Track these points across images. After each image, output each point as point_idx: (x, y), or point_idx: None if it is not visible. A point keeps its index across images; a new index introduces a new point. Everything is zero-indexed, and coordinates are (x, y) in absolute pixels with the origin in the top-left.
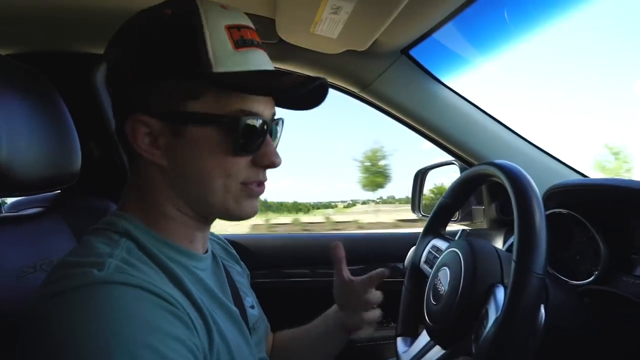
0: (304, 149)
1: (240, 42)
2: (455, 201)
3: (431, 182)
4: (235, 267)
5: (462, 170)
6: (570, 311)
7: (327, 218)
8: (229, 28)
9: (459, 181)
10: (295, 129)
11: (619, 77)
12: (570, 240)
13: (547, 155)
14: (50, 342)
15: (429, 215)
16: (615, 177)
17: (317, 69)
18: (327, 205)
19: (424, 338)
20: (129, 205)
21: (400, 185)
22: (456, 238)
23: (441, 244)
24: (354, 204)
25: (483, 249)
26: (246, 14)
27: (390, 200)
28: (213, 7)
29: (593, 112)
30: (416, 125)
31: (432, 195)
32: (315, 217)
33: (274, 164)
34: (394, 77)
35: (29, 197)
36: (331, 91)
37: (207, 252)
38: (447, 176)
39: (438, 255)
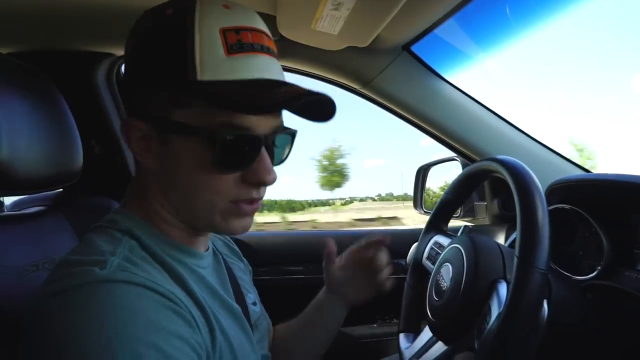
0: (301, 147)
1: (236, 47)
2: (457, 197)
3: (433, 179)
4: (237, 264)
5: (464, 166)
6: (573, 306)
7: (283, 218)
8: (225, 31)
9: (461, 177)
10: (294, 123)
11: (618, 73)
12: (573, 236)
13: (549, 151)
14: (52, 340)
15: (431, 212)
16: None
17: (318, 66)
18: (325, 203)
19: (426, 334)
20: (131, 204)
21: (397, 183)
22: (458, 234)
23: (443, 240)
24: (351, 201)
25: (485, 244)
26: None
27: (388, 198)
28: (212, 7)
29: (591, 108)
30: (418, 122)
31: (440, 192)
32: (303, 215)
33: (264, 182)
34: (395, 74)
35: (31, 195)
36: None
37: (208, 249)
38: (451, 173)
39: (440, 252)
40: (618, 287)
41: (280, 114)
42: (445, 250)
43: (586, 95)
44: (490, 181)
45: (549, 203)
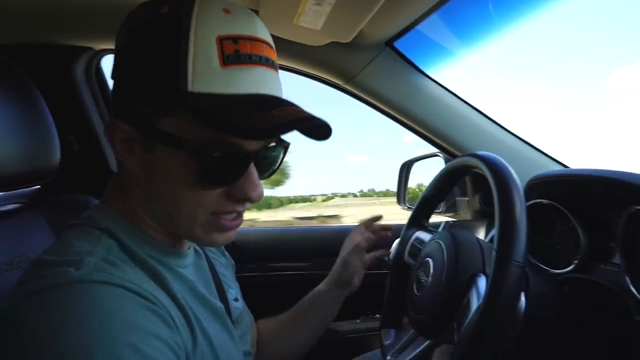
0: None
1: (232, 58)
2: (438, 193)
3: (417, 175)
4: (219, 259)
5: (446, 162)
6: (551, 299)
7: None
8: (223, 39)
9: (441, 173)
10: None
11: (595, 69)
12: (552, 230)
13: (529, 147)
14: (28, 342)
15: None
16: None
17: (301, 61)
18: (306, 199)
19: (407, 329)
20: (111, 201)
21: (380, 179)
22: (439, 229)
23: (425, 236)
24: (332, 197)
25: (465, 239)
26: None
27: (370, 194)
28: (212, 11)
29: (571, 103)
30: (401, 118)
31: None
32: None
33: (249, 199)
34: (378, 69)
35: (7, 192)
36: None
37: (189, 247)
38: (433, 169)
39: (422, 247)
40: (594, 280)
41: None
42: (426, 245)
43: (564, 91)
44: (472, 177)
45: (528, 198)
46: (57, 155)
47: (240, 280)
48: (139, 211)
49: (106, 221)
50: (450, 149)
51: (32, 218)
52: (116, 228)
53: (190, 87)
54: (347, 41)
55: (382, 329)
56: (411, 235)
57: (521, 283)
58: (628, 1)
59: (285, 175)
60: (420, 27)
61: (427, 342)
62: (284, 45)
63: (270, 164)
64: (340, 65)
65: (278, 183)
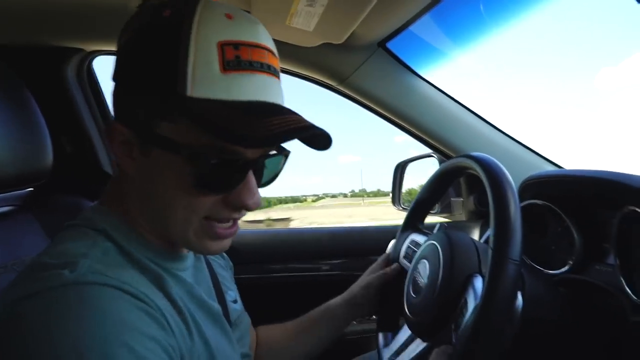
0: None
1: (233, 64)
2: (432, 195)
3: (411, 175)
4: (218, 260)
5: (440, 162)
6: (546, 300)
7: None
8: (224, 45)
9: (435, 175)
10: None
11: (582, 68)
12: (546, 231)
13: (523, 147)
14: (23, 345)
15: (409, 208)
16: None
17: (294, 63)
18: (296, 199)
19: (404, 332)
20: (110, 202)
21: (371, 179)
22: (434, 231)
23: (420, 238)
24: (321, 197)
25: (460, 240)
26: None
27: (361, 194)
28: (213, 16)
29: (558, 102)
30: (394, 118)
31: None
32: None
33: (246, 207)
34: (371, 70)
35: None
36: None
37: (188, 250)
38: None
39: (417, 250)
40: (589, 281)
41: None
42: (422, 247)
43: (551, 90)
44: (466, 178)
45: (522, 199)
46: (49, 157)
47: (237, 281)
48: (136, 214)
49: (104, 223)
50: (444, 149)
51: (26, 220)
52: (113, 230)
53: (189, 92)
54: (339, 42)
55: (379, 333)
56: (406, 238)
57: (518, 281)
58: (614, 1)
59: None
60: (412, 28)
61: (425, 344)
62: (276, 47)
63: (269, 172)
64: (333, 66)
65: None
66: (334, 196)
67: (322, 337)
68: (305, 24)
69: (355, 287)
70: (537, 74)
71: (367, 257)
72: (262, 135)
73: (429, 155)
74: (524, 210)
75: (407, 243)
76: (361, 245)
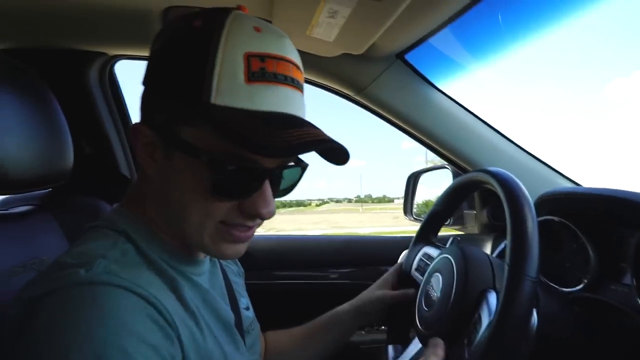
0: None
1: (258, 75)
2: (447, 208)
3: (424, 186)
4: (231, 266)
5: (454, 174)
6: (560, 318)
7: None
8: (250, 56)
9: (451, 188)
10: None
11: (593, 79)
12: (560, 248)
13: (539, 162)
14: (34, 339)
15: (421, 219)
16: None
17: (312, 72)
18: (300, 203)
19: (415, 345)
20: (131, 205)
21: (378, 185)
22: (447, 245)
23: (432, 251)
24: (326, 202)
25: (475, 255)
26: None
27: (366, 200)
28: (242, 28)
29: (569, 112)
30: (410, 130)
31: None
32: None
33: (260, 215)
34: (388, 81)
35: (19, 194)
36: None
37: (205, 255)
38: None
39: (429, 263)
40: (604, 300)
41: None
42: (435, 260)
43: (562, 100)
44: (480, 191)
45: (537, 214)
46: (70, 158)
47: (246, 287)
48: (154, 216)
49: (124, 225)
50: (459, 162)
51: (44, 220)
52: (134, 232)
53: (213, 100)
54: (358, 53)
55: (389, 344)
56: (419, 251)
57: (534, 298)
58: (627, 12)
59: None
60: (431, 40)
61: None
62: None
63: (286, 183)
64: (351, 76)
65: None
66: (338, 201)
67: (329, 343)
68: (326, 34)
69: (365, 297)
70: (548, 84)
71: (377, 267)
72: (280, 146)
73: (442, 167)
74: (539, 226)
75: (419, 255)
76: (372, 254)
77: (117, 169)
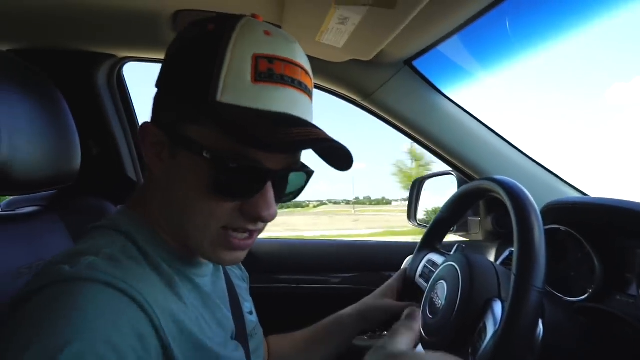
0: None
1: (265, 75)
2: (452, 215)
3: (428, 191)
4: (235, 271)
5: (459, 181)
6: (565, 328)
7: None
8: (258, 57)
9: (457, 195)
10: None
11: (593, 84)
12: (566, 257)
13: (545, 170)
14: (19, 334)
15: (425, 225)
16: (612, 197)
17: (320, 77)
18: (298, 205)
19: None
20: (136, 206)
21: (375, 187)
22: (452, 252)
23: (437, 258)
24: (324, 203)
25: (480, 263)
26: None
27: (364, 202)
28: (253, 31)
29: (568, 117)
30: (416, 136)
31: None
32: None
33: (261, 218)
34: (396, 87)
35: (25, 195)
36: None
37: None
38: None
39: (434, 270)
40: (609, 311)
41: (296, 152)
42: (440, 267)
43: (561, 105)
44: (486, 198)
45: (543, 223)
46: (78, 160)
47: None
48: (159, 218)
49: (127, 225)
50: (465, 168)
51: (51, 221)
52: (136, 232)
53: (219, 98)
54: (367, 59)
55: None
56: (423, 257)
57: (539, 309)
58: (627, 17)
59: None
60: (439, 47)
61: None
62: None
63: (291, 188)
64: (359, 82)
65: None
66: (336, 203)
67: (331, 347)
68: (335, 40)
69: (369, 303)
70: (544, 87)
71: (380, 273)
72: (281, 142)
73: (447, 173)
74: (545, 235)
75: (424, 262)
76: (374, 260)
77: (123, 170)
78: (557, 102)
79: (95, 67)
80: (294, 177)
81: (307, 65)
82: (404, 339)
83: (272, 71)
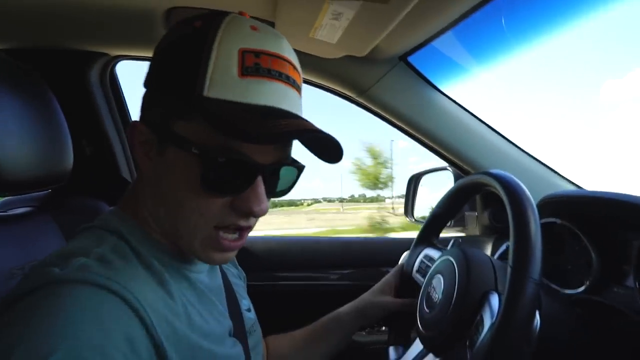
0: None
1: (251, 70)
2: (448, 210)
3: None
4: (231, 269)
5: (455, 176)
6: (562, 320)
7: None
8: (245, 52)
9: (453, 190)
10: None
11: (587, 81)
12: (563, 250)
13: (541, 165)
14: (7, 343)
15: (422, 221)
16: (609, 190)
17: (315, 73)
18: (292, 203)
19: (416, 346)
20: (127, 206)
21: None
22: (449, 247)
23: (434, 253)
24: (319, 201)
25: (477, 256)
26: None
27: (358, 199)
28: (239, 27)
29: (562, 115)
30: (412, 131)
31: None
32: None
33: (252, 213)
34: (391, 83)
35: (18, 196)
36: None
37: None
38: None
39: (430, 265)
40: (606, 303)
41: (287, 146)
42: (437, 262)
43: (555, 102)
44: (482, 193)
45: (539, 217)
46: (70, 159)
47: (248, 288)
48: (148, 217)
49: (118, 224)
50: (461, 164)
51: (43, 222)
52: (127, 231)
53: (206, 92)
54: (361, 55)
55: (390, 347)
56: (420, 252)
57: (536, 301)
58: (620, 13)
59: None
60: (434, 42)
61: (437, 359)
62: (297, 57)
63: (282, 184)
64: (353, 78)
65: None
66: (330, 200)
67: (331, 344)
68: (329, 36)
69: (366, 300)
70: (538, 84)
71: (378, 268)
72: (269, 133)
73: (443, 168)
74: (541, 228)
75: (420, 257)
76: (372, 256)
77: (117, 170)
78: (552, 98)
79: (88, 65)
80: (285, 172)
81: (296, 60)
82: None
83: (258, 65)
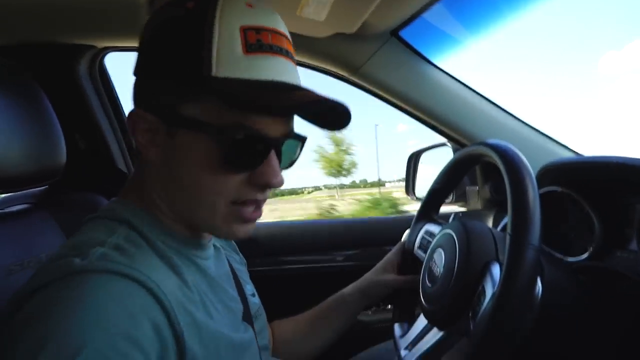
0: None
1: (255, 46)
2: (447, 184)
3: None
4: (233, 256)
5: (455, 151)
6: (565, 288)
7: None
8: (246, 29)
9: (450, 164)
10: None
11: (585, 53)
12: (565, 218)
13: (539, 134)
14: (12, 331)
15: (423, 199)
16: (609, 154)
17: (305, 54)
18: (293, 192)
19: (421, 322)
20: (131, 194)
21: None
22: (449, 221)
23: (434, 228)
24: (316, 189)
25: (476, 228)
26: None
27: (360, 185)
28: (235, 5)
29: (562, 88)
30: (408, 108)
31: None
32: None
33: (270, 185)
34: (384, 60)
35: (15, 193)
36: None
37: (210, 239)
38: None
39: (432, 240)
40: (609, 268)
41: (291, 119)
42: (437, 236)
43: (554, 76)
44: (482, 166)
45: (540, 186)
46: (63, 154)
47: (251, 274)
48: (159, 203)
49: (126, 213)
50: (459, 138)
51: (41, 218)
52: (136, 219)
53: (214, 72)
54: (351, 32)
55: (395, 324)
56: (420, 228)
57: (537, 266)
58: None
59: None
60: (425, 15)
61: (441, 332)
62: None
63: (286, 158)
64: (345, 56)
65: None
66: (331, 187)
67: (336, 326)
68: (317, 14)
69: (369, 279)
70: (539, 59)
71: (381, 247)
72: (287, 105)
73: (442, 144)
74: (542, 197)
75: (421, 233)
76: (376, 235)
77: (113, 162)
78: (549, 71)
79: (76, 59)
80: (288, 146)
81: (288, 34)
82: None
83: (260, 42)
